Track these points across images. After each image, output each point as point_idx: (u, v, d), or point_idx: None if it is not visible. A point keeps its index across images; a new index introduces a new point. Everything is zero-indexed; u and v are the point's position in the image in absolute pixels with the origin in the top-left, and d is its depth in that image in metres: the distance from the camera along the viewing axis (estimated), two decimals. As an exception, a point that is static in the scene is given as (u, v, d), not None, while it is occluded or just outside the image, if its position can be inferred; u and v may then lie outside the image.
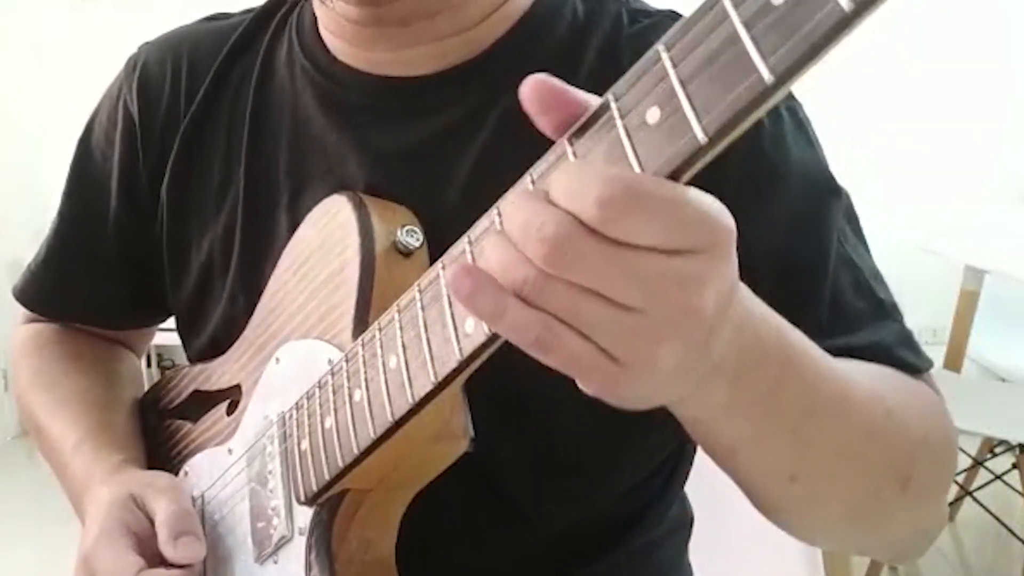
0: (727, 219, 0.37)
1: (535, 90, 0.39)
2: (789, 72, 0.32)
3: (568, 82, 0.63)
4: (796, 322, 0.58)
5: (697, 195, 0.36)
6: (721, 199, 0.37)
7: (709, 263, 0.36)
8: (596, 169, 0.36)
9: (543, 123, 0.40)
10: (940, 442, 0.58)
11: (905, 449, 0.54)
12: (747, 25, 0.33)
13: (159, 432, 0.78)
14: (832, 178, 0.63)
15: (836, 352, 0.56)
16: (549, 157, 0.40)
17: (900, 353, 0.60)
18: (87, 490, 0.69)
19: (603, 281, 0.36)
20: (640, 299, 0.36)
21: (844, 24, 0.30)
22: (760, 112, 0.33)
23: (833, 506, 0.55)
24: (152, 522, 0.63)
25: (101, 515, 0.64)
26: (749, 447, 0.50)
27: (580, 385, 0.40)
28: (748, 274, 0.42)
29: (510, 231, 0.38)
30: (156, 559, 0.61)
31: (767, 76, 0.32)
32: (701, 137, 0.34)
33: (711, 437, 0.51)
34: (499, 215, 0.42)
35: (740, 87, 0.33)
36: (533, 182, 0.41)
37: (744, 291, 0.42)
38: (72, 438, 0.74)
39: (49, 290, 0.83)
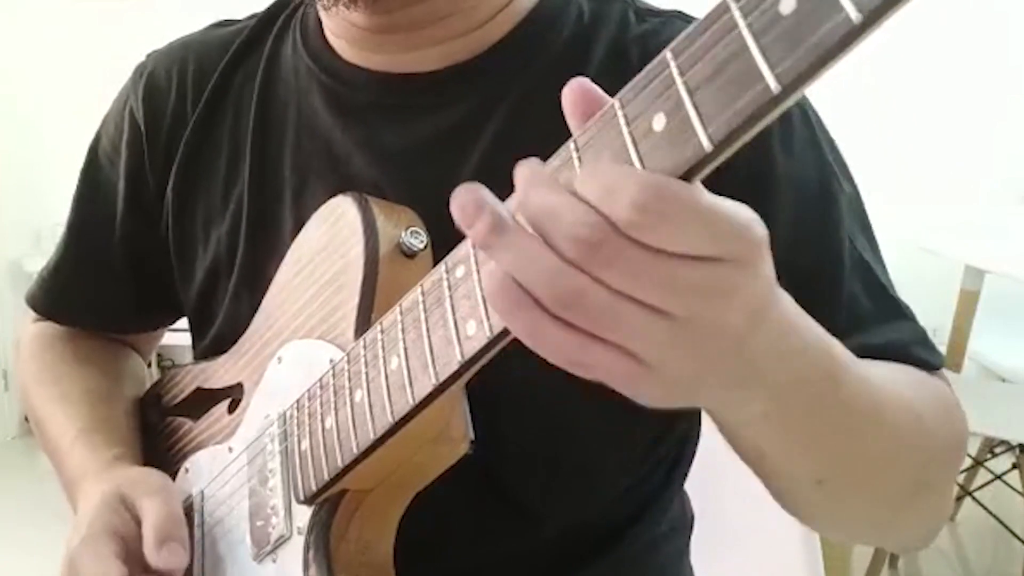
0: (759, 227, 0.36)
1: (580, 96, 0.38)
2: (796, 82, 0.32)
3: None
4: None
5: (730, 204, 0.35)
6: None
7: (742, 271, 0.36)
8: (631, 170, 0.35)
9: (577, 126, 0.39)
10: (956, 444, 0.58)
11: (928, 453, 0.55)
12: (756, 35, 0.32)
13: (160, 429, 0.78)
14: (838, 178, 0.63)
15: (853, 352, 0.56)
16: (553, 163, 0.40)
17: (917, 352, 0.60)
18: (80, 483, 0.70)
19: (640, 283, 0.35)
20: (676, 304, 0.35)
21: (853, 35, 0.30)
22: (766, 121, 0.33)
23: (856, 506, 0.55)
24: (139, 524, 0.63)
25: (89, 515, 0.63)
26: (780, 454, 0.49)
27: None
28: None
29: (536, 220, 0.36)
30: (140, 564, 0.61)
31: (774, 86, 0.32)
32: (707, 145, 0.34)
33: (742, 441, 0.50)
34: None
35: (747, 96, 0.33)
36: None
37: (787, 300, 0.41)
38: (71, 431, 0.74)
39: (58, 297, 0.84)
